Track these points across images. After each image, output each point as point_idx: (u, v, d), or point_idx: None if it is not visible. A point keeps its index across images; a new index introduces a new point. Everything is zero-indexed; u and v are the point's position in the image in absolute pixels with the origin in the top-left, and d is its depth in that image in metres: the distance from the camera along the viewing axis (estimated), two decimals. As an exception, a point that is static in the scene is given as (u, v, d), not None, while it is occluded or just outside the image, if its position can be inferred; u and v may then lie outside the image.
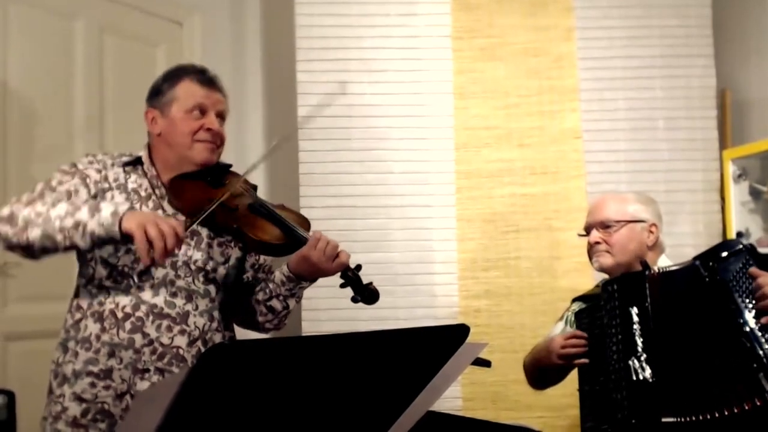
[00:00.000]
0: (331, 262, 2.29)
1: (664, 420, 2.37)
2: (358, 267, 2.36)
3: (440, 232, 3.88)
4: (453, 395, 3.69)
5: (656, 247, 2.78)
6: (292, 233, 2.34)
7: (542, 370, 2.85)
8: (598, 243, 2.76)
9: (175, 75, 2.43)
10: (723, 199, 3.90)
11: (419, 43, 3.95)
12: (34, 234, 2.12)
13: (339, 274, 2.34)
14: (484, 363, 2.14)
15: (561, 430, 3.47)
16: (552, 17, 3.96)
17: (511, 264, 3.86)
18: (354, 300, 2.33)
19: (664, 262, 2.75)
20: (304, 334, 3.64)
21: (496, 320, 3.82)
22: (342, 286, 2.35)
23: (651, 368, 2.43)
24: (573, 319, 2.84)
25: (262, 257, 2.52)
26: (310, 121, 3.78)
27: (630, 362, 2.46)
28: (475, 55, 3.95)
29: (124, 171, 2.37)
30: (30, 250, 2.17)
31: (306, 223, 2.44)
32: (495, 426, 2.49)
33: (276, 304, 2.43)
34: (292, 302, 2.44)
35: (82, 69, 3.81)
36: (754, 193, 3.83)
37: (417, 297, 3.82)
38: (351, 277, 2.33)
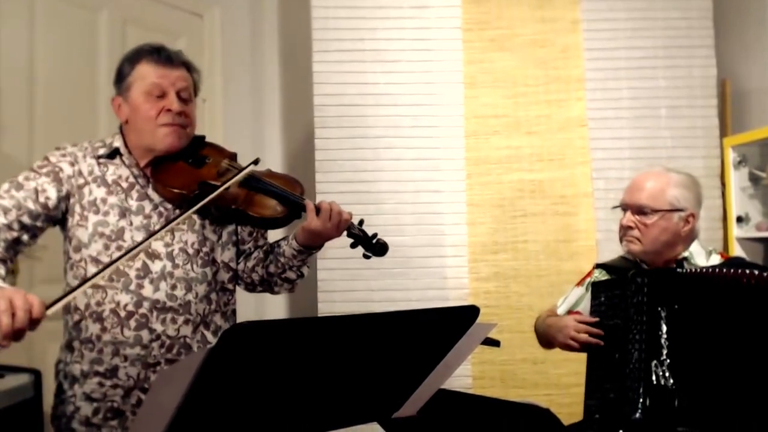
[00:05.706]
0: (336, 229, 2.27)
1: (679, 430, 2.29)
2: (361, 222, 2.35)
3: (451, 217, 3.95)
4: (463, 374, 3.77)
5: (690, 235, 2.64)
6: (289, 201, 2.27)
7: (549, 341, 2.82)
8: (630, 228, 2.63)
9: (134, 57, 2.28)
10: (723, 184, 3.96)
11: (431, 35, 4.02)
12: None
13: (345, 233, 2.32)
14: (494, 343, 2.20)
15: (566, 407, 3.50)
16: (558, 9, 4.03)
17: (519, 247, 3.94)
18: (366, 256, 2.34)
19: (695, 248, 2.66)
20: (320, 315, 3.72)
21: (505, 301, 3.90)
22: (352, 246, 2.34)
23: (673, 376, 2.33)
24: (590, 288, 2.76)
25: None
26: (326, 109, 3.88)
27: (652, 364, 2.36)
28: (484, 46, 4.02)
29: (99, 163, 2.27)
30: None
31: (297, 185, 2.36)
32: (504, 403, 2.47)
33: (290, 274, 2.42)
34: (305, 269, 2.44)
35: (106, 59, 3.86)
36: (754, 179, 3.88)
37: (428, 279, 3.90)
38: (358, 234, 2.33)
